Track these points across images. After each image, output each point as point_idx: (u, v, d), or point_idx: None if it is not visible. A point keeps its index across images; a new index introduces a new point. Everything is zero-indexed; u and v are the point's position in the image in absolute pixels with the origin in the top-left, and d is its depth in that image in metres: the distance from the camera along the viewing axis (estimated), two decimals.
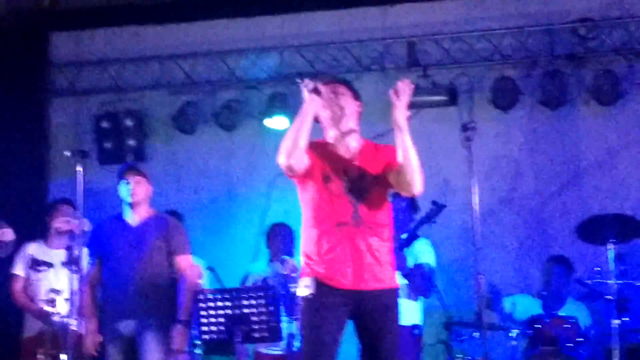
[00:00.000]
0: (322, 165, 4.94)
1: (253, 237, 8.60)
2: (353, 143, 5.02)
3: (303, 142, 4.81)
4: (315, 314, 4.86)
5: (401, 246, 7.36)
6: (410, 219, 7.51)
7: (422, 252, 7.48)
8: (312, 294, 4.88)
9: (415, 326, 7.40)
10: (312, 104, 4.86)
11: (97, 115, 9.53)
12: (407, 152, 4.82)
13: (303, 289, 4.93)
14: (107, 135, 9.44)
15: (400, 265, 7.30)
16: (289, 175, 4.92)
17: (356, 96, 5.07)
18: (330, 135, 5.03)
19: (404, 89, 4.82)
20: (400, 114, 4.82)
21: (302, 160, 4.84)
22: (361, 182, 4.93)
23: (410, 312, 7.39)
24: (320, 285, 4.88)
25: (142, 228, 6.50)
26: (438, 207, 7.12)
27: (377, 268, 4.92)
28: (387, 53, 9.11)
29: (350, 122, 5.01)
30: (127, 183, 6.49)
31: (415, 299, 7.48)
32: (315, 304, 4.87)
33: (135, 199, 6.50)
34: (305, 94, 4.86)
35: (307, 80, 4.85)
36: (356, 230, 4.89)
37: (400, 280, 7.19)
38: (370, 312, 4.89)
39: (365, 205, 4.91)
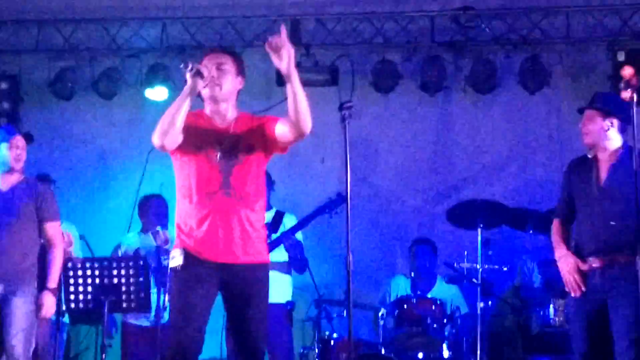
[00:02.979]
0: (195, 134, 4.91)
1: (127, 208, 8.52)
2: (229, 114, 5.01)
3: (180, 123, 4.81)
4: (184, 285, 4.86)
5: (297, 229, 7.39)
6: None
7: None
8: (181, 265, 4.88)
9: (288, 303, 7.47)
10: (193, 87, 4.82)
11: None
12: (297, 95, 4.78)
13: (173, 260, 4.92)
14: None
15: (292, 251, 7.35)
16: (161, 150, 4.92)
17: (240, 71, 5.05)
18: (208, 109, 5.02)
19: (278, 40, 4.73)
20: (283, 60, 4.72)
21: (176, 141, 4.84)
22: (234, 151, 4.93)
23: (283, 288, 7.45)
24: (189, 257, 4.88)
25: (11, 193, 6.38)
26: (341, 199, 7.17)
27: (248, 242, 4.93)
28: (270, 30, 9.07)
29: (230, 99, 5.01)
30: (16, 148, 6.38)
31: (290, 273, 7.54)
32: (185, 275, 4.87)
33: (20, 166, 6.41)
34: (188, 77, 4.82)
35: (190, 65, 4.80)
36: (227, 200, 4.88)
37: (276, 256, 7.29)
38: (239, 285, 4.91)
39: (237, 175, 4.91)
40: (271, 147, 5.01)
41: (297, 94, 4.78)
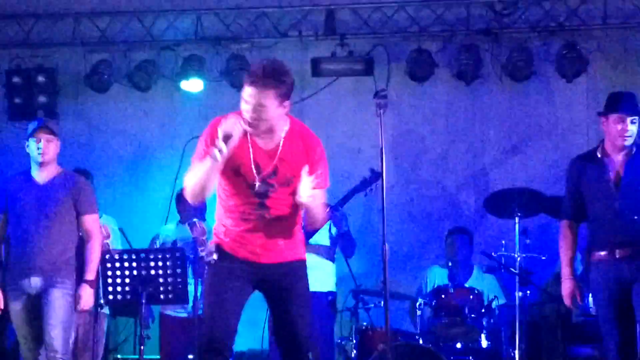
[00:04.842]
0: (234, 157, 4.73)
1: (164, 200, 8.55)
2: (275, 136, 4.81)
3: (210, 188, 4.76)
4: (218, 279, 4.88)
5: (339, 205, 7.45)
6: None
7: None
8: (215, 259, 4.90)
9: (329, 293, 7.49)
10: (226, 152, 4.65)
11: (8, 70, 9.33)
12: (311, 215, 4.88)
13: (208, 254, 4.94)
14: (18, 90, 9.24)
15: (339, 224, 7.43)
16: None
17: (284, 97, 4.70)
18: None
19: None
20: (304, 198, 4.69)
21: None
22: (273, 178, 4.80)
23: (325, 277, 7.47)
24: (224, 253, 4.90)
25: (49, 186, 6.41)
26: (375, 175, 7.22)
27: (284, 248, 4.93)
28: (305, 20, 9.07)
29: (275, 126, 4.77)
30: (38, 141, 6.38)
31: (333, 260, 7.56)
32: (218, 269, 4.89)
33: (46, 158, 6.39)
34: (221, 145, 4.59)
35: (221, 139, 4.60)
36: (262, 220, 4.84)
37: (318, 238, 7.28)
38: (276, 280, 4.91)
39: (274, 199, 4.82)
40: None
41: (312, 216, 4.90)
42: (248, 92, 4.67)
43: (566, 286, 5.93)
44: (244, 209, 4.85)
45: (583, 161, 6.02)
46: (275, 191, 4.81)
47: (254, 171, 4.79)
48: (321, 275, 7.37)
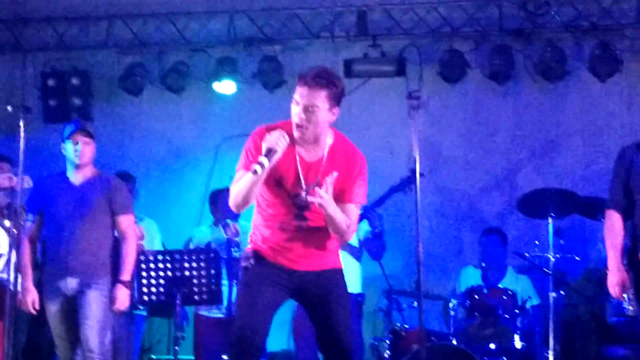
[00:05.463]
0: (278, 168, 4.76)
1: (198, 201, 8.59)
2: (320, 148, 4.85)
3: (252, 199, 4.80)
4: (253, 282, 4.90)
5: (376, 205, 7.45)
6: None
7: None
8: (252, 264, 4.93)
9: (359, 294, 7.48)
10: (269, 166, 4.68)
11: (43, 72, 9.41)
12: (331, 225, 4.83)
13: (246, 259, 4.96)
14: (53, 93, 9.32)
15: (373, 223, 7.42)
16: None
17: (335, 102, 4.75)
18: (297, 138, 4.81)
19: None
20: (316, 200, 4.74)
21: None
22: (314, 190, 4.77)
23: (352, 277, 7.46)
24: (261, 258, 4.93)
25: (85, 187, 6.44)
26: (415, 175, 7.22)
27: (321, 256, 4.96)
28: (337, 21, 9.08)
29: (321, 134, 4.82)
30: (75, 144, 6.41)
31: (360, 260, 7.55)
32: (254, 273, 4.91)
33: (83, 160, 6.43)
34: (264, 161, 4.62)
35: (263, 160, 4.62)
36: (301, 229, 4.87)
37: (351, 241, 7.30)
38: (315, 288, 4.94)
39: (314, 212, 4.83)
40: None
41: (329, 222, 4.80)
42: (299, 92, 4.71)
43: (616, 274, 5.63)
44: (283, 218, 4.87)
45: (634, 151, 5.75)
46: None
47: (297, 183, 4.82)
48: (349, 276, 7.36)
